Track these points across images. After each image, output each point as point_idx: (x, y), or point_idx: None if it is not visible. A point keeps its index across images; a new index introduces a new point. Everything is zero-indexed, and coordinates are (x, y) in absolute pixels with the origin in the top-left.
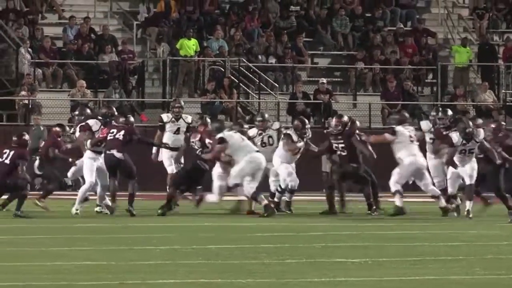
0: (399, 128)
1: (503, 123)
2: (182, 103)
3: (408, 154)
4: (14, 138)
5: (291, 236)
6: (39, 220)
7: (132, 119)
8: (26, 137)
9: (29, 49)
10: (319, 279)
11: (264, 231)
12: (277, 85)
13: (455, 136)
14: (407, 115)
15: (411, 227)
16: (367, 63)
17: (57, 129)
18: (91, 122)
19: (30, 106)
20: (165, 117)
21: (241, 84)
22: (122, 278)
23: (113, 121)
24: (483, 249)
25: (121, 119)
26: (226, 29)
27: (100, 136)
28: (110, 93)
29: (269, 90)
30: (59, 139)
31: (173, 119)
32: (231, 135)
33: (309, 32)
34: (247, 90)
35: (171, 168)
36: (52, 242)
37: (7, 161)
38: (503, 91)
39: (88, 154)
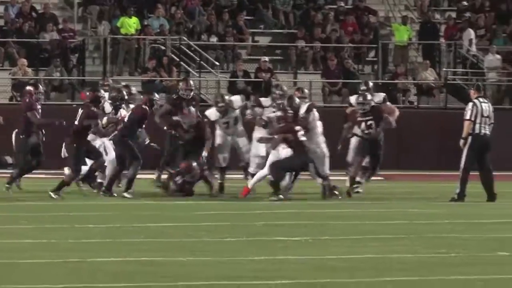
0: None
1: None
2: (110, 81)
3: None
4: (87, 93)
5: (231, 215)
6: None
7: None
8: (101, 93)
9: None
10: (259, 257)
11: (205, 209)
12: (218, 64)
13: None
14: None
15: (352, 206)
16: (308, 42)
17: (30, 88)
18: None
19: None
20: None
21: (181, 63)
22: (64, 256)
23: (123, 105)
24: (424, 227)
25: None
26: (167, 8)
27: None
28: (51, 71)
29: (210, 69)
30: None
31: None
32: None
33: (250, 10)
34: (188, 68)
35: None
36: None
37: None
38: (444, 69)
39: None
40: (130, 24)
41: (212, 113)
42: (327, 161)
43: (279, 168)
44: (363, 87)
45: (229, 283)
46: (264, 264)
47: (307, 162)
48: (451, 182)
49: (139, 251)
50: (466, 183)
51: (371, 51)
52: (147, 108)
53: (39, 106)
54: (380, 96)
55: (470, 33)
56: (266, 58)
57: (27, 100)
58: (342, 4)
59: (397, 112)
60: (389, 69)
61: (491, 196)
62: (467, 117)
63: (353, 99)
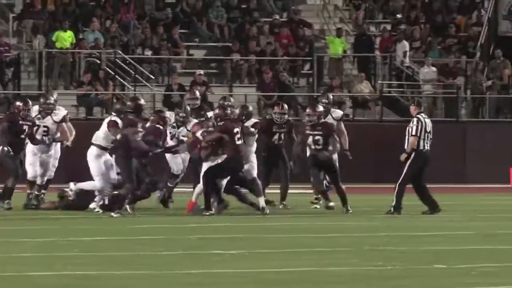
0: None
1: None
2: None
3: None
4: (128, 103)
5: (166, 228)
6: None
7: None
8: (142, 101)
9: None
10: (195, 271)
11: (140, 223)
12: (153, 77)
13: None
14: None
15: (287, 219)
16: (243, 55)
17: (19, 103)
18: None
19: None
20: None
21: (117, 76)
22: (1, 270)
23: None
24: (360, 240)
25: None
26: (101, 21)
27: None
28: None
29: (145, 82)
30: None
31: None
32: None
33: (184, 23)
34: (123, 82)
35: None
36: None
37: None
38: (379, 81)
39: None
40: (65, 38)
41: None
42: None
43: (209, 175)
44: (324, 100)
45: None
46: (200, 278)
47: (238, 169)
48: (386, 195)
49: (74, 265)
50: (403, 196)
51: (306, 64)
52: (160, 127)
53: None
54: (338, 113)
55: (405, 45)
56: (201, 72)
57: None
58: (277, 17)
59: (345, 136)
60: (324, 81)
61: (435, 206)
62: (414, 132)
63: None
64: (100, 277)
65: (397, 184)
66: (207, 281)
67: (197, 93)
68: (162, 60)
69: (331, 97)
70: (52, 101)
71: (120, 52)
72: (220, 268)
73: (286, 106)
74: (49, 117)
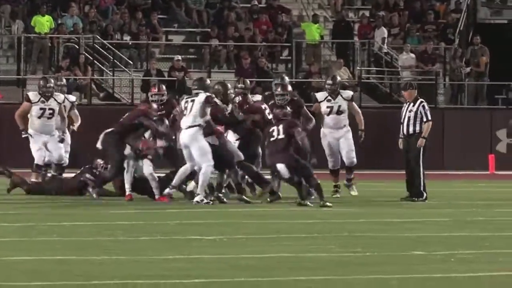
0: None
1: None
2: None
3: None
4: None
5: (146, 214)
6: None
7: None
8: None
9: None
10: (173, 256)
11: (119, 208)
12: (132, 62)
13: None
14: None
15: (268, 205)
16: (221, 40)
17: None
18: None
19: None
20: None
21: (95, 61)
22: None
23: None
24: (339, 226)
25: None
26: (80, 6)
27: None
28: None
29: (123, 67)
30: None
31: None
32: None
33: (163, 9)
34: (102, 67)
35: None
36: None
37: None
38: (358, 68)
39: None
40: (43, 22)
41: None
42: None
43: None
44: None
45: (143, 282)
46: (179, 263)
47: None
48: (364, 181)
49: (53, 250)
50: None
51: (285, 50)
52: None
53: None
54: (348, 93)
55: (384, 31)
56: (179, 57)
57: None
58: (256, 2)
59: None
60: (303, 68)
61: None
62: (430, 117)
63: (319, 95)
64: (79, 262)
65: (421, 170)
66: (186, 267)
67: (163, 87)
68: (140, 45)
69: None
70: (52, 85)
71: (99, 38)
72: (199, 254)
73: (287, 85)
74: (52, 99)
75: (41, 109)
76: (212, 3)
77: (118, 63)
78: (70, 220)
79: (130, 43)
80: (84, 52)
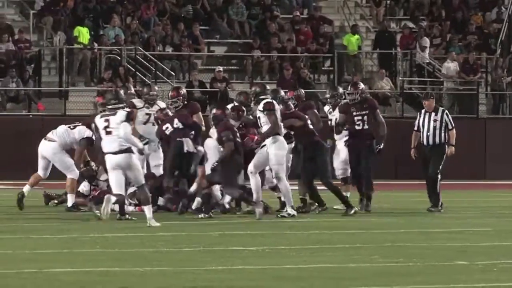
0: None
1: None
2: (157, 90)
3: None
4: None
5: (188, 225)
6: None
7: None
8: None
9: None
10: (216, 267)
11: (162, 219)
12: (174, 74)
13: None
14: None
15: (309, 216)
16: (263, 51)
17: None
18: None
19: None
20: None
21: (137, 73)
22: (19, 267)
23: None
24: (381, 237)
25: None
26: (122, 18)
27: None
28: (8, 82)
29: (165, 78)
30: None
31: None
32: None
33: (205, 20)
34: (144, 78)
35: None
36: None
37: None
38: (400, 78)
39: None
40: (83, 33)
41: None
42: None
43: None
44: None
45: None
46: (221, 274)
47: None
48: (407, 192)
49: (96, 261)
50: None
51: (327, 60)
52: None
53: None
54: None
55: (426, 41)
56: (221, 68)
57: None
58: (298, 13)
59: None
60: (345, 78)
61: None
62: (453, 124)
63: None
64: (121, 274)
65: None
66: (228, 277)
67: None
68: (182, 56)
69: (341, 89)
70: (155, 92)
71: (141, 49)
72: (241, 265)
73: (359, 84)
74: (156, 105)
75: (146, 114)
76: (254, 14)
77: (160, 74)
78: (112, 232)
79: (172, 54)
80: (125, 64)
